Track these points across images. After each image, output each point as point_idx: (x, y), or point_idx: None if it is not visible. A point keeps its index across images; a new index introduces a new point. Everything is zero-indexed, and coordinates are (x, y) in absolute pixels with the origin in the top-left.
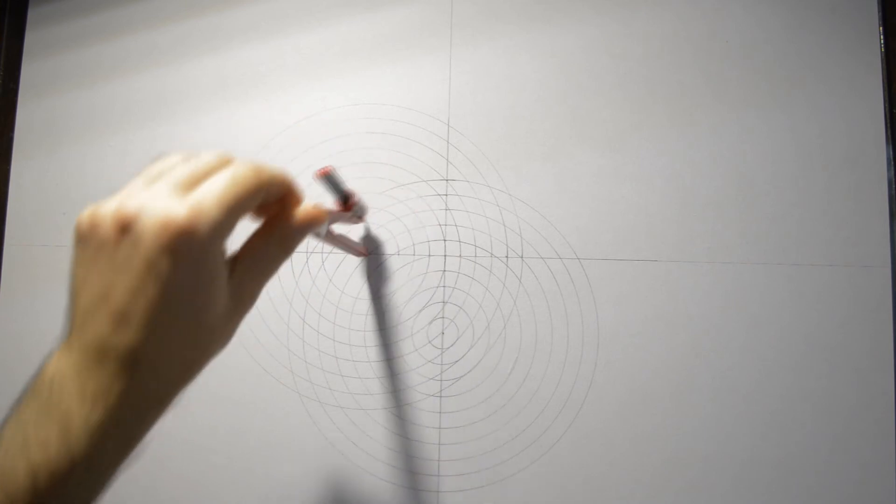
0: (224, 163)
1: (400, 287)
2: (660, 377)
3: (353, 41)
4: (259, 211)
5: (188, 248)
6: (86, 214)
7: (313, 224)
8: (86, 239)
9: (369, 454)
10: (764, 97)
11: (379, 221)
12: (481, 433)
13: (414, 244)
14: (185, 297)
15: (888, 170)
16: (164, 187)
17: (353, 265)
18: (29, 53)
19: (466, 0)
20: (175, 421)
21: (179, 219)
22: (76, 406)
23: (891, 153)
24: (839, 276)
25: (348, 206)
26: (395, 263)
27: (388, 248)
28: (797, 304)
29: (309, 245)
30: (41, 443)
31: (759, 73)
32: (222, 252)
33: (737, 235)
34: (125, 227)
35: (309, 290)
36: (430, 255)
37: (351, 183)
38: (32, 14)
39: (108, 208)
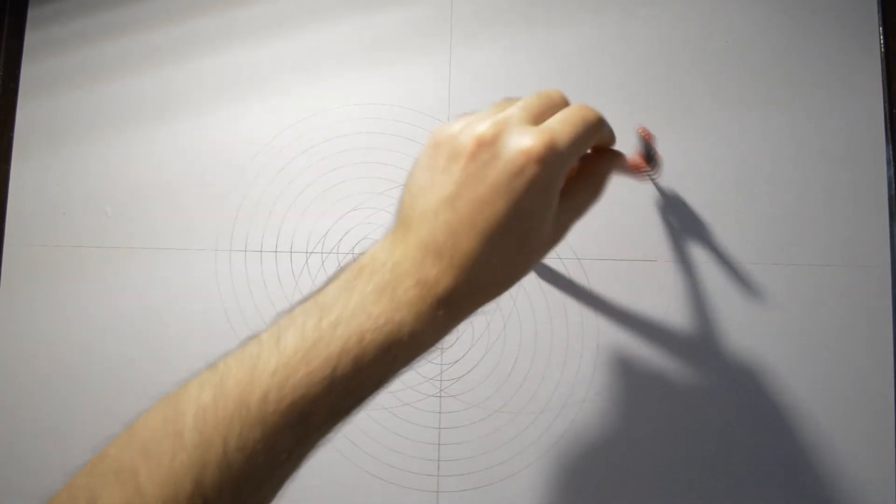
0: (565, 101)
1: None
2: (659, 377)
3: (353, 41)
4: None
5: (539, 175)
6: (445, 128)
7: (620, 169)
8: (440, 146)
9: (369, 454)
10: (763, 97)
11: (379, 222)
12: (481, 433)
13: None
14: (524, 218)
15: (888, 170)
16: (518, 113)
17: None
18: (29, 53)
19: (466, 0)
20: None
21: (537, 148)
22: (414, 291)
23: (890, 153)
24: (838, 276)
25: (645, 167)
26: None
27: None
28: (796, 304)
29: (309, 245)
30: (379, 314)
31: (759, 73)
32: (560, 184)
33: (736, 235)
34: (485, 145)
35: (309, 290)
36: None
37: (351, 183)
38: (32, 14)
39: (472, 126)
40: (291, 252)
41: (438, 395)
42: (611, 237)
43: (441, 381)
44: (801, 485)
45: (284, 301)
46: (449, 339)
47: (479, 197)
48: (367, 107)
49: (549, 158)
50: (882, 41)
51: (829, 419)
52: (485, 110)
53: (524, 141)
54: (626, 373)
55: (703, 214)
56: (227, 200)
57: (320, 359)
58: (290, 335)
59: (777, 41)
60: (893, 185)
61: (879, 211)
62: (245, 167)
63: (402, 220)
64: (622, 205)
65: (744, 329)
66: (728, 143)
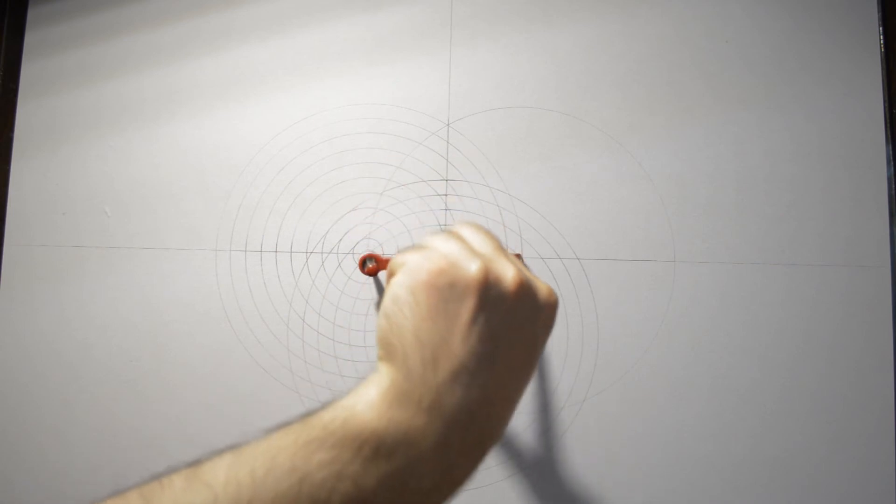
0: (461, 231)
1: None
2: (659, 377)
3: (352, 41)
4: None
5: (528, 296)
6: (443, 271)
7: None
8: (438, 288)
9: None
10: (763, 97)
11: (379, 222)
12: None
13: (414, 244)
14: (534, 341)
15: (888, 169)
16: (467, 248)
17: (352, 266)
18: (29, 53)
19: (466, 0)
20: (176, 421)
21: (519, 277)
22: (431, 480)
23: (890, 153)
24: (838, 275)
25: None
26: None
27: (388, 248)
28: (796, 304)
29: (309, 245)
30: None
31: (759, 73)
32: None
33: (736, 235)
34: (521, 290)
35: (309, 290)
36: None
37: (351, 183)
38: (32, 14)
39: (469, 270)
40: (291, 252)
41: None
42: (611, 237)
43: None
44: (801, 485)
45: (284, 301)
46: None
47: (515, 356)
48: (367, 107)
49: (526, 278)
50: (882, 41)
51: (829, 419)
52: (447, 243)
53: (547, 289)
54: (626, 373)
55: (703, 214)
56: (227, 200)
57: None
58: None
59: (777, 41)
60: (893, 185)
61: (879, 211)
62: (245, 167)
63: (411, 377)
64: (622, 205)
65: (744, 329)
66: (728, 143)
